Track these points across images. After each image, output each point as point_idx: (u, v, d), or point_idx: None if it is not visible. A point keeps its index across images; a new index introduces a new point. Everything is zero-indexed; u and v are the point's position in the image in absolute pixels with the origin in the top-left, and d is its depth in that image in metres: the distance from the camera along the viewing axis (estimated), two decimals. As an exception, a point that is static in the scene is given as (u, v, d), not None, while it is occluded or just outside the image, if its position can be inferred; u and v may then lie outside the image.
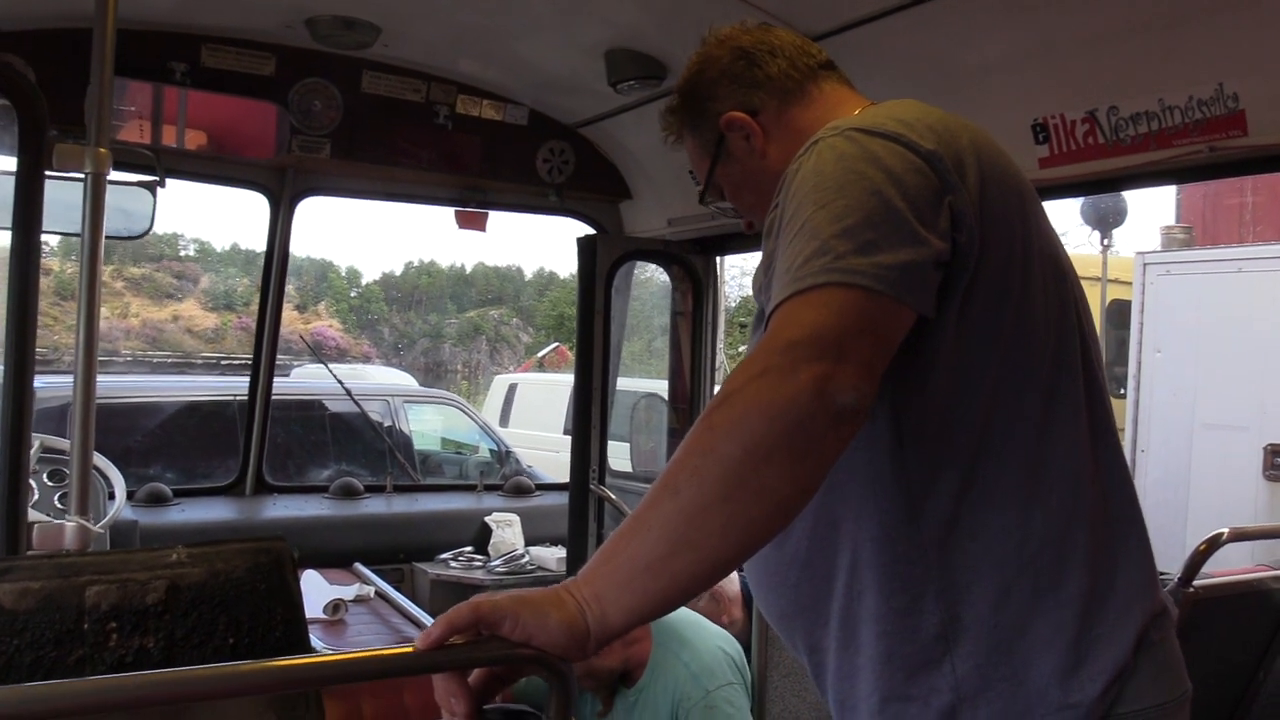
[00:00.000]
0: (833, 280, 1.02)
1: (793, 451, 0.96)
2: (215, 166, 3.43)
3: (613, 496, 3.23)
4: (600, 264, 3.33)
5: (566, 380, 8.13)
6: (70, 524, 1.82)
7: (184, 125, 3.13)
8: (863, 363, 0.99)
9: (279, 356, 4.04)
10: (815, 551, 1.22)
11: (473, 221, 3.79)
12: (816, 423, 0.97)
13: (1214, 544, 1.78)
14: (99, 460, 3.08)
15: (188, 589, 1.84)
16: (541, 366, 17.96)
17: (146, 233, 3.14)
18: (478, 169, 3.53)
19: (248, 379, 3.85)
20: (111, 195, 3.08)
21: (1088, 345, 1.23)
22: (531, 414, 11.05)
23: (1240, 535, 1.94)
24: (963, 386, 1.14)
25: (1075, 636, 1.12)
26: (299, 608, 1.51)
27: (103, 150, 1.86)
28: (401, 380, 14.85)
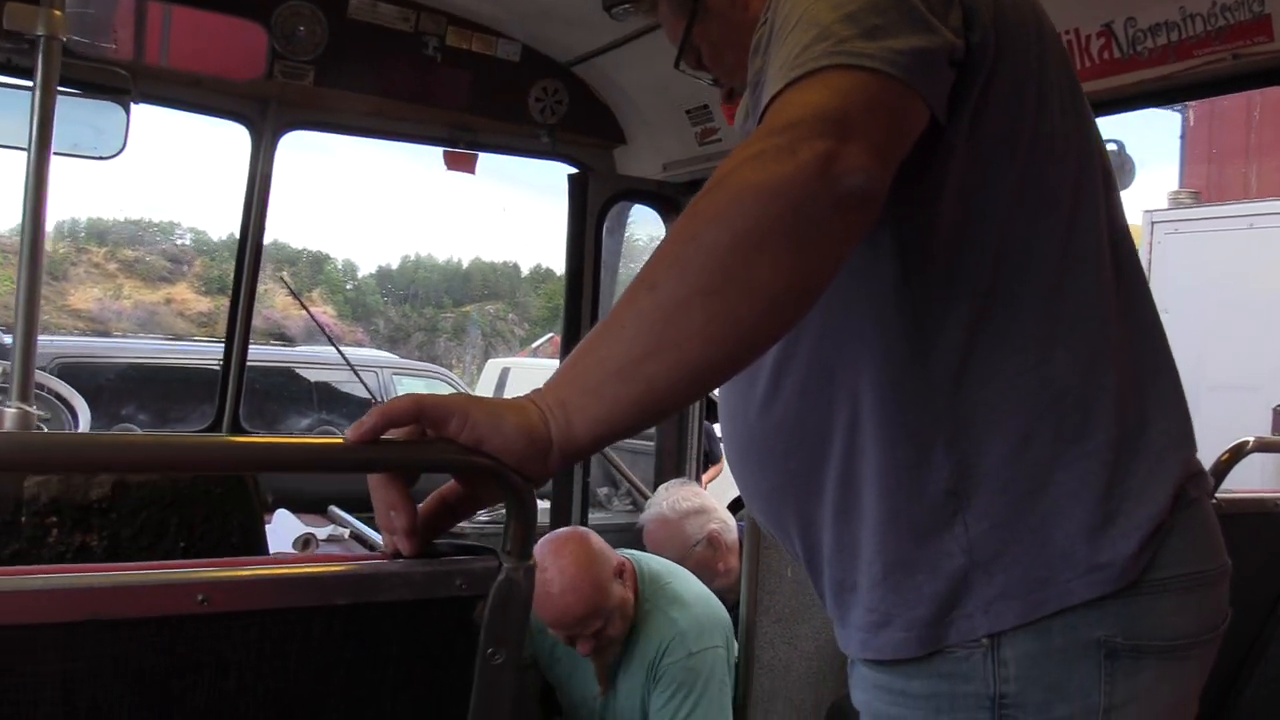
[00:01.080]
0: (837, 63, 0.89)
1: (789, 238, 0.84)
2: (195, 94, 3.30)
3: (599, 442, 3.11)
4: (591, 202, 3.22)
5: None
6: (10, 410, 1.69)
7: (168, 42, 3.02)
8: (873, 143, 0.86)
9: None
10: (808, 410, 1.09)
11: (461, 163, 3.68)
12: (818, 205, 0.84)
13: (1238, 454, 1.66)
14: (62, 388, 2.96)
15: (136, 487, 1.70)
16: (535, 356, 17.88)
17: (118, 153, 3.02)
18: (467, 105, 3.41)
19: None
20: (81, 110, 2.98)
21: (1111, 182, 1.11)
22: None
23: (1265, 446, 1.82)
24: (974, 211, 1.01)
25: (1104, 490, 0.99)
26: (257, 516, 1.38)
27: (57, 13, 1.73)
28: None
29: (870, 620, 1.06)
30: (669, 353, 0.83)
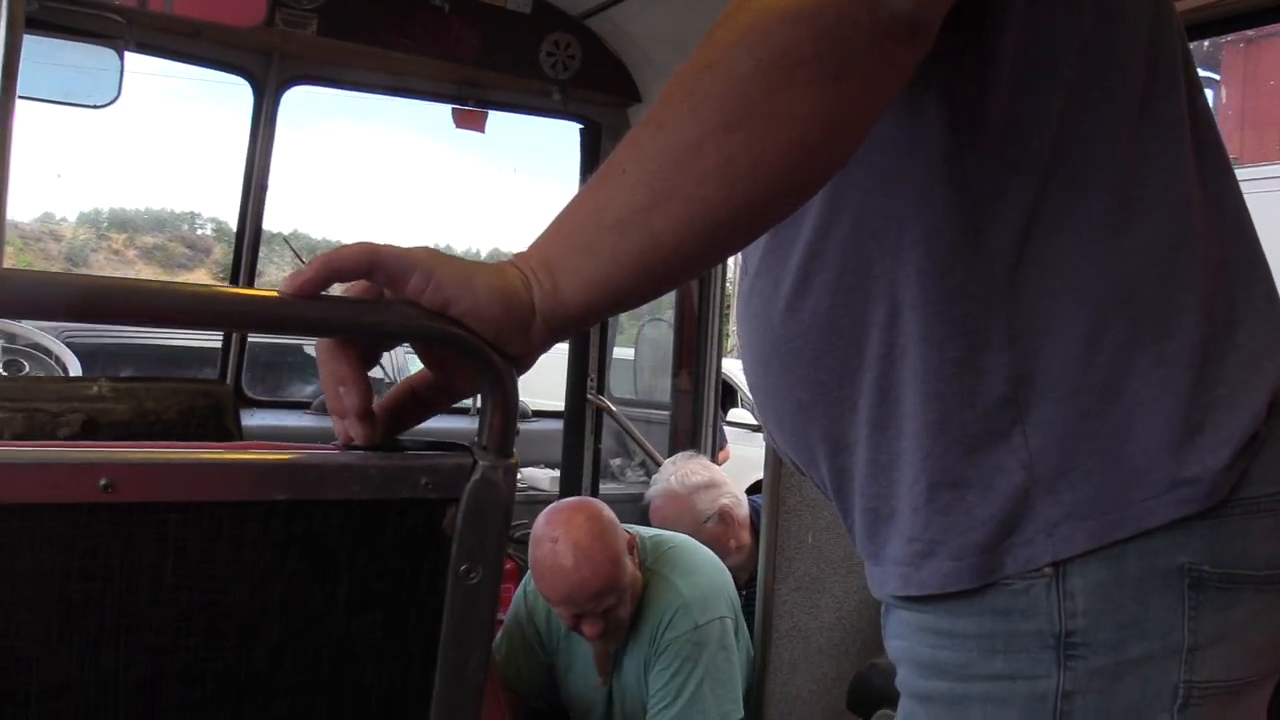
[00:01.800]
0: None
1: (822, 66, 0.69)
2: (193, 45, 3.18)
3: (613, 407, 2.98)
4: (604, 156, 3.07)
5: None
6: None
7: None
8: None
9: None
10: (841, 309, 0.93)
11: (471, 120, 3.55)
12: (858, 31, 0.70)
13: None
14: (53, 344, 2.85)
15: (108, 426, 1.58)
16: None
17: (111, 102, 2.90)
18: (476, 59, 3.28)
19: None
20: (73, 55, 2.87)
21: (1189, 58, 0.96)
22: (536, 385, 10.82)
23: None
24: (1035, 70, 0.87)
25: (1189, 396, 0.84)
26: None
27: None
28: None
29: (912, 551, 0.91)
30: (678, 202, 0.69)
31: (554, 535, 2.06)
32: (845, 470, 0.98)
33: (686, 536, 2.44)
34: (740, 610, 2.35)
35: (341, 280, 0.67)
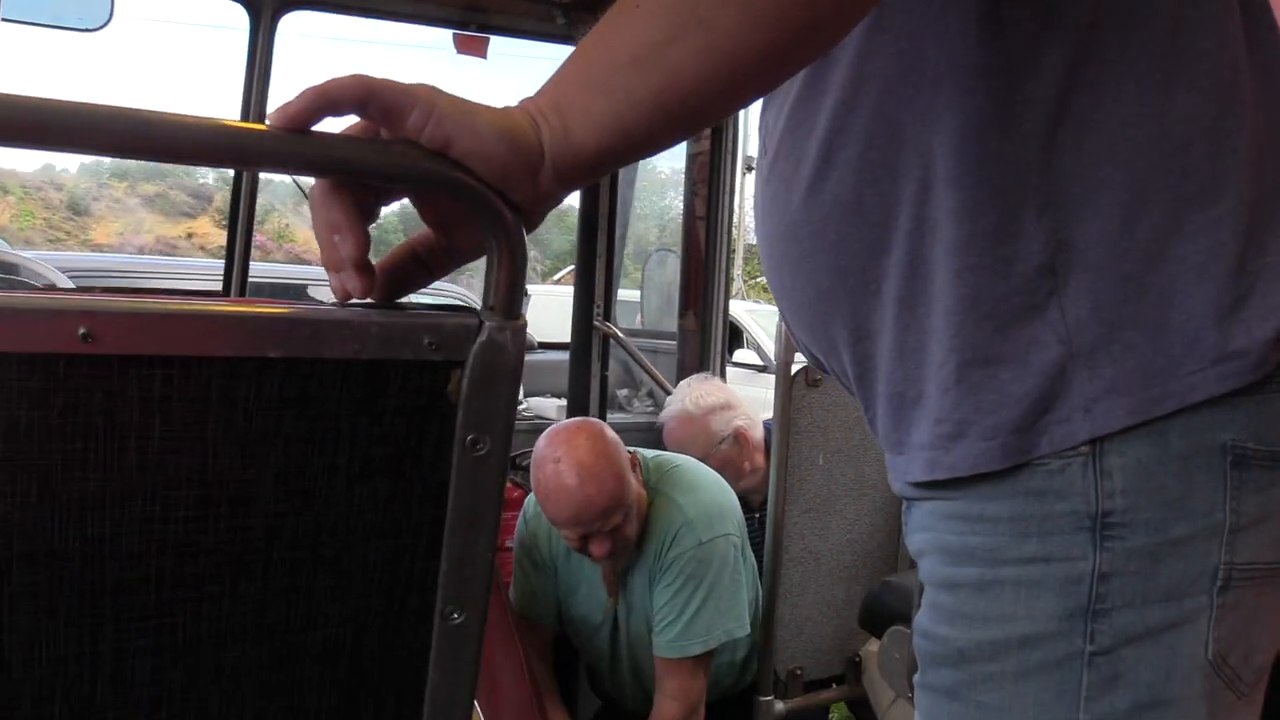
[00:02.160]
0: None
1: None
2: (187, -35, 3.10)
3: (619, 334, 2.93)
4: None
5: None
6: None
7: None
8: None
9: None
10: (867, 185, 0.88)
11: (472, 46, 3.46)
12: None
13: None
14: (49, 271, 2.80)
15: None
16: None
17: (104, 25, 2.83)
18: (478, -22, 3.20)
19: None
20: (61, -28, 2.78)
21: None
22: (545, 326, 10.79)
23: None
24: None
25: (1236, 264, 0.79)
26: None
27: None
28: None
29: (941, 433, 0.86)
30: (698, 34, 0.64)
31: (556, 455, 2.01)
32: (869, 358, 0.93)
33: (689, 458, 2.41)
34: (746, 531, 2.32)
35: (334, 113, 0.62)
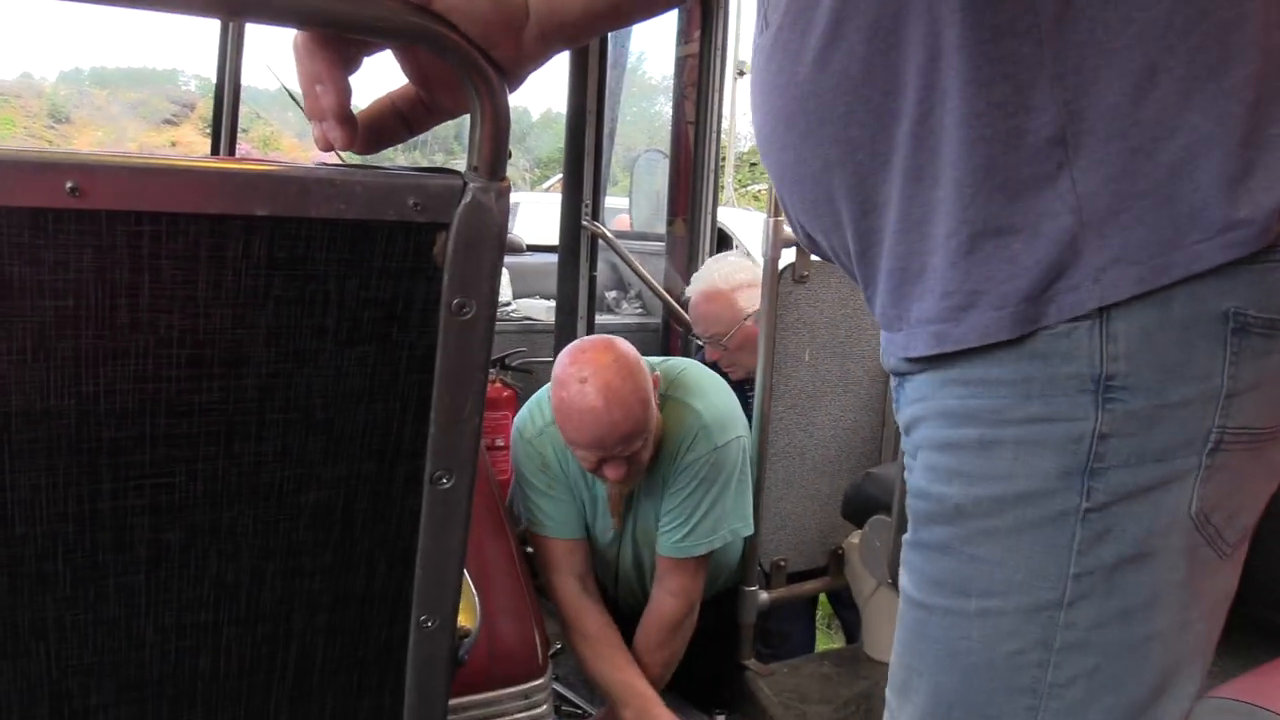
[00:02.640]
0: None
1: None
2: None
3: (608, 233, 2.92)
4: None
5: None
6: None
7: None
8: None
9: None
10: (877, 55, 0.86)
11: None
12: None
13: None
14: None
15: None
16: (546, 196, 17.51)
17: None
18: None
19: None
20: None
21: None
22: (535, 235, 10.69)
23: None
24: None
25: (1245, 134, 0.80)
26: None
27: None
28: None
29: (949, 306, 0.87)
30: None
31: (582, 375, 1.91)
32: (874, 231, 0.92)
33: (692, 360, 2.34)
34: (750, 435, 2.31)
35: None
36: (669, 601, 2.17)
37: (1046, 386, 0.82)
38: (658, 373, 2.11)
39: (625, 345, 2.02)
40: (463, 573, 0.91)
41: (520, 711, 1.94)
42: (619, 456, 1.97)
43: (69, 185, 0.59)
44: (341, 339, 0.72)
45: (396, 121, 0.72)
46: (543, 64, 0.70)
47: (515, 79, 0.69)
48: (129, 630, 0.79)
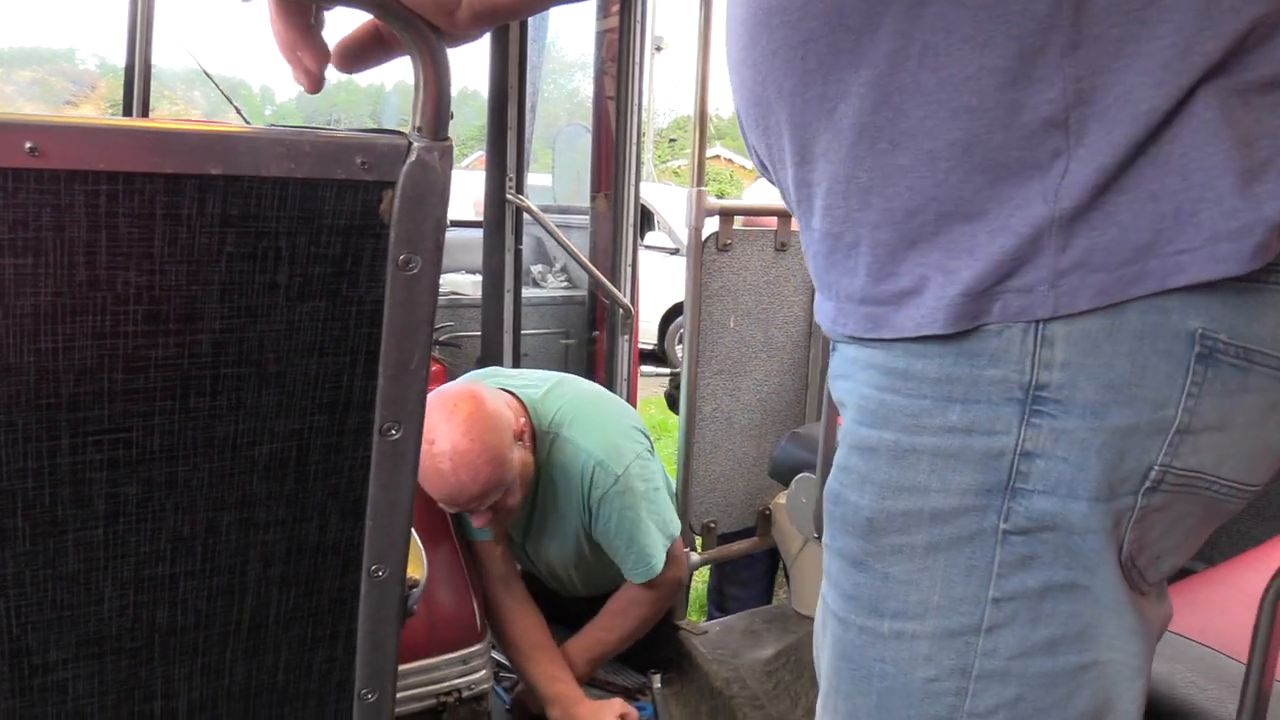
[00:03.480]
0: None
1: None
2: None
3: (533, 206, 2.95)
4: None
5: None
6: None
7: None
8: None
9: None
10: None
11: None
12: None
13: None
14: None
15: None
16: (465, 177, 17.38)
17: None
18: None
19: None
20: None
21: None
22: (457, 211, 10.64)
23: None
24: None
25: (1257, 134, 0.69)
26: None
27: None
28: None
29: (894, 289, 0.76)
30: None
31: (431, 438, 1.89)
32: (808, 185, 0.82)
33: (573, 382, 2.26)
34: (650, 441, 2.26)
35: None
36: (647, 594, 2.19)
37: (970, 390, 0.73)
38: (524, 419, 2.05)
39: (478, 400, 1.96)
40: (411, 524, 0.94)
41: (459, 677, 1.99)
42: (477, 510, 1.98)
43: (28, 145, 0.61)
44: (293, 294, 0.75)
45: (376, 44, 0.73)
46: (476, 38, 0.73)
47: (455, 40, 0.72)
48: (87, 585, 0.81)
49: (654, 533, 2.11)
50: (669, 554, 2.16)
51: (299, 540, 0.88)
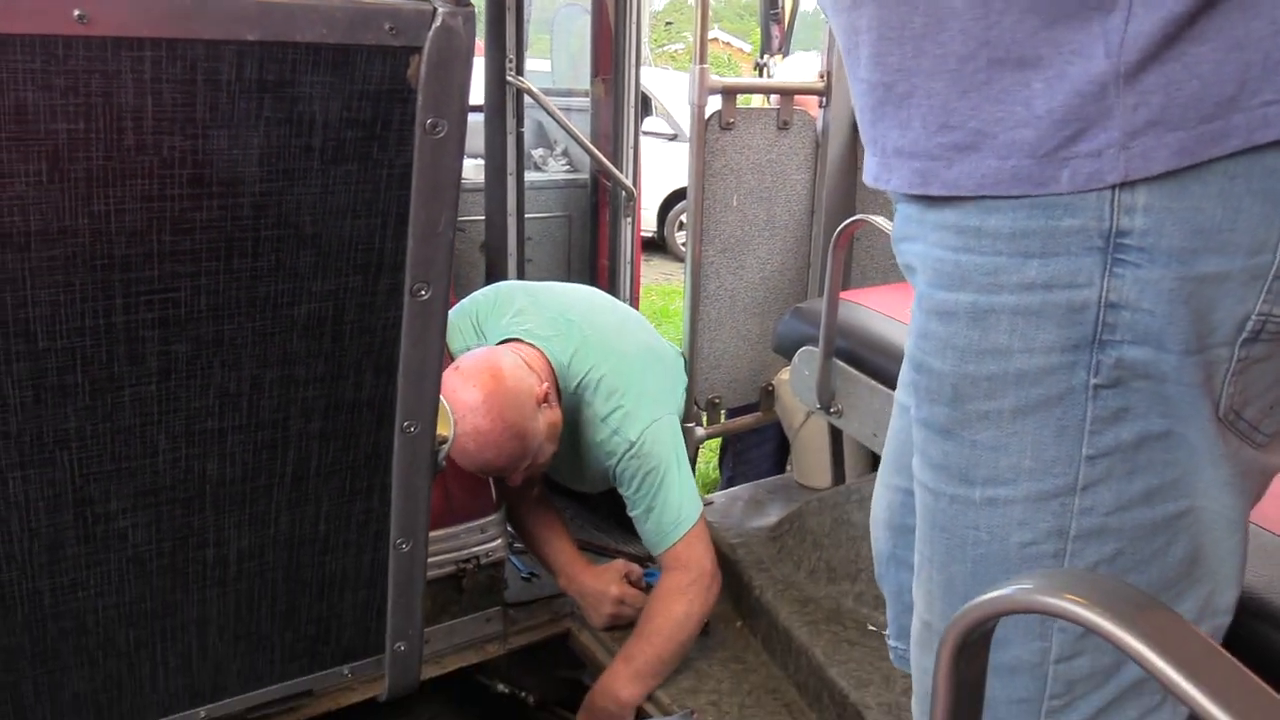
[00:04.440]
0: None
1: None
2: None
3: (534, 89, 2.94)
4: None
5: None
6: None
7: None
8: None
9: None
10: None
11: None
12: None
13: None
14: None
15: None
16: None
17: None
18: None
19: None
20: None
21: None
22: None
23: None
24: None
25: None
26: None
27: None
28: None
29: (948, 142, 0.72)
30: None
31: (454, 412, 1.85)
32: (855, 30, 0.77)
33: (601, 339, 2.14)
34: (679, 397, 2.23)
35: None
36: (675, 575, 2.05)
37: (1047, 243, 0.69)
38: (547, 383, 2.03)
39: (499, 370, 1.94)
40: (440, 383, 1.00)
41: (477, 545, 2.08)
42: (508, 475, 1.99)
43: (76, 13, 0.64)
44: (327, 158, 0.78)
45: None
46: None
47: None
48: (143, 438, 0.87)
49: (670, 504, 2.02)
50: (690, 536, 2.04)
51: (336, 397, 0.93)
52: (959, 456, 0.78)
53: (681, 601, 2.03)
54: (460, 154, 0.82)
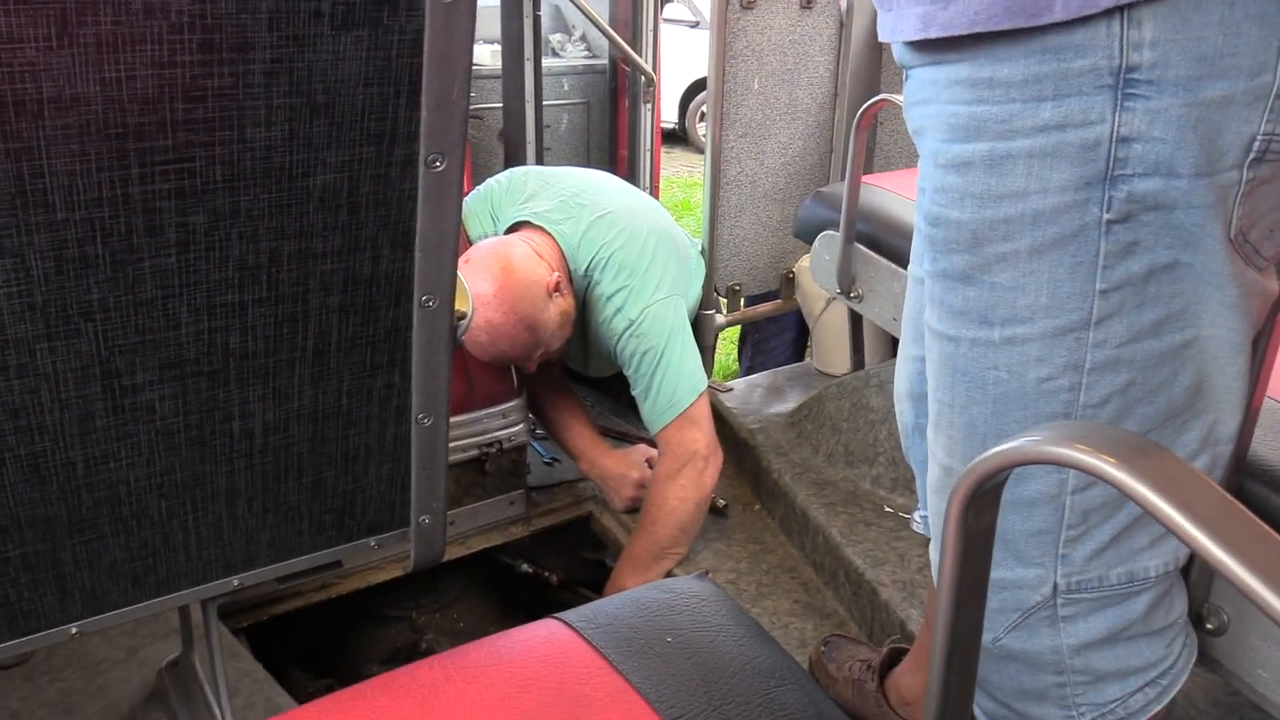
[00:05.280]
0: None
1: None
2: None
3: (549, -29, 2.86)
4: None
5: None
6: None
7: None
8: None
9: None
10: None
11: None
12: None
13: None
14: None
15: None
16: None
17: None
18: None
19: None
20: None
21: None
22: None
23: None
24: None
25: None
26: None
27: None
28: None
29: None
30: None
31: (463, 312, 1.86)
32: None
33: (612, 216, 2.13)
34: (691, 285, 2.23)
35: None
36: (666, 461, 2.07)
37: (1059, 85, 0.71)
38: (558, 273, 2.03)
39: (509, 262, 1.95)
40: (457, 257, 1.00)
41: (500, 429, 2.11)
42: (523, 366, 2.05)
43: None
44: (337, 23, 0.77)
45: None
46: None
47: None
48: (165, 311, 0.88)
49: (665, 385, 2.03)
50: (683, 419, 2.04)
51: (354, 271, 0.94)
52: (978, 300, 0.81)
53: (672, 488, 2.04)
54: (472, 19, 0.81)
